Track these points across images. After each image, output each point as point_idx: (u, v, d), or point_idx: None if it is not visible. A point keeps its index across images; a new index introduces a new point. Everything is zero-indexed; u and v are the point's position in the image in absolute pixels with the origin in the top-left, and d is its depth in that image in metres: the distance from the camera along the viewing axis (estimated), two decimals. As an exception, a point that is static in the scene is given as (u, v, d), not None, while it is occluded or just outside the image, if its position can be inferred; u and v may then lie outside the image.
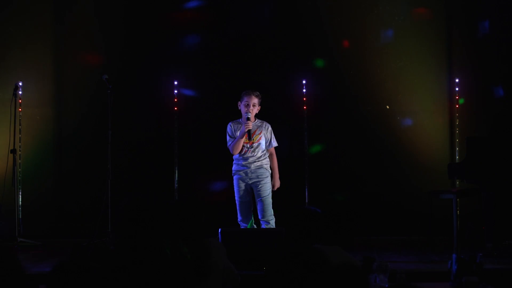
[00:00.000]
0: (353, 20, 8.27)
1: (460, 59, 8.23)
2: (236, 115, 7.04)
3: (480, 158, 6.83)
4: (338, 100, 8.30)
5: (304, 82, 8.24)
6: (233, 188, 7.00)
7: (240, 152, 6.85)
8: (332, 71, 8.29)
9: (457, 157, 8.04)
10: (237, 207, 6.88)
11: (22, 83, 8.03)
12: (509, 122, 7.06)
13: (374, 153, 8.23)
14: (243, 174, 6.85)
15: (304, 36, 8.29)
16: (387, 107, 8.25)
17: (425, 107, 8.24)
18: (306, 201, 8.14)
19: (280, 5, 8.32)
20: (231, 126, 6.92)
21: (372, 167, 8.22)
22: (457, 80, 8.16)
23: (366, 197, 8.16)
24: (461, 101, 8.14)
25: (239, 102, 6.88)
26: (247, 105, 6.81)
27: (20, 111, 8.04)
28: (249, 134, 6.78)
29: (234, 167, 6.92)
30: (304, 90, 8.25)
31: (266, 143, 6.91)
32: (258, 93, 6.86)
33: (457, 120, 8.15)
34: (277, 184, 6.92)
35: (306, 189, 8.16)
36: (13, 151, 7.53)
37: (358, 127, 8.25)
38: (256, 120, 6.95)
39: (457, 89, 8.16)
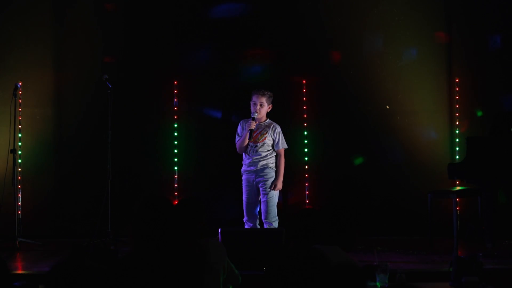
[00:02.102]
0: (353, 20, 8.27)
1: (460, 59, 8.23)
2: (240, 113, 7.07)
3: (480, 158, 6.83)
4: (338, 100, 8.29)
5: (304, 82, 8.25)
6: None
7: (245, 151, 6.87)
8: (332, 71, 8.29)
9: (457, 157, 8.04)
10: (244, 207, 6.89)
11: (22, 83, 8.03)
12: (509, 122, 7.06)
13: (374, 153, 8.23)
14: (250, 174, 6.86)
15: (304, 36, 8.29)
16: (387, 107, 8.25)
17: (425, 107, 8.24)
18: (306, 201, 8.14)
19: (280, 5, 8.31)
20: (241, 124, 6.95)
21: (372, 167, 8.22)
22: (457, 80, 8.17)
23: (366, 197, 8.16)
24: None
25: (250, 101, 6.90)
26: (254, 105, 6.83)
27: (20, 111, 8.04)
28: (250, 134, 6.80)
29: (242, 167, 6.94)
30: (304, 90, 8.25)
31: (273, 143, 6.90)
32: (266, 92, 6.86)
33: (457, 120, 8.15)
34: (279, 185, 6.89)
35: (306, 189, 8.16)
36: (13, 151, 7.53)
37: (358, 127, 8.25)
38: (266, 120, 6.95)
39: (457, 89, 8.16)
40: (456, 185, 7.79)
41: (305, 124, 8.24)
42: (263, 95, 6.84)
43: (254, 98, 6.86)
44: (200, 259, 3.83)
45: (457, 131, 8.14)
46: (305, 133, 8.25)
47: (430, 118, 8.24)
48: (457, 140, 8.13)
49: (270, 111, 6.95)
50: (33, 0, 8.31)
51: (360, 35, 8.26)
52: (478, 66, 8.18)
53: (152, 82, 8.30)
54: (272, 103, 6.92)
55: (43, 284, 3.94)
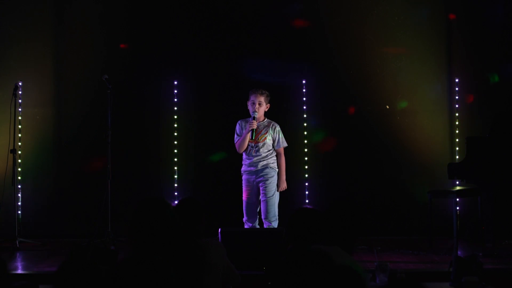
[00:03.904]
0: (353, 20, 8.27)
1: (460, 59, 8.23)
2: (240, 114, 7.06)
3: (480, 158, 6.83)
4: (338, 100, 8.29)
5: (304, 82, 8.25)
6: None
7: (246, 151, 6.87)
8: (332, 71, 8.29)
9: (457, 157, 8.03)
10: (243, 207, 6.88)
11: (22, 83, 8.03)
12: (509, 122, 7.06)
13: (374, 153, 8.23)
14: (250, 174, 6.86)
15: (304, 36, 8.28)
16: (387, 107, 8.25)
17: (425, 107, 8.24)
18: (306, 201, 8.14)
19: (280, 5, 8.31)
20: (239, 124, 6.94)
21: (372, 167, 8.21)
22: (457, 80, 8.17)
23: (366, 197, 8.15)
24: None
25: (248, 101, 6.89)
26: (253, 104, 6.83)
27: (20, 111, 8.04)
28: (252, 134, 6.79)
29: (242, 167, 6.94)
30: (304, 90, 8.25)
31: (274, 143, 6.90)
32: (265, 91, 6.86)
33: (457, 120, 8.15)
34: (283, 185, 6.88)
35: (306, 189, 8.16)
36: (13, 151, 7.53)
37: (358, 127, 8.25)
38: (265, 120, 6.94)
39: (457, 89, 8.17)
40: (456, 185, 7.79)
41: (305, 124, 8.24)
42: (261, 94, 6.84)
43: (252, 98, 6.86)
44: (200, 259, 3.83)
45: (457, 131, 8.14)
46: (305, 133, 8.25)
47: (430, 118, 8.24)
48: (457, 140, 8.13)
49: (267, 110, 6.96)
50: (33, 0, 8.31)
51: (360, 35, 8.25)
52: (478, 66, 8.17)
53: (152, 82, 8.30)
54: (269, 102, 6.93)
55: (43, 284, 3.94)
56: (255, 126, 6.80)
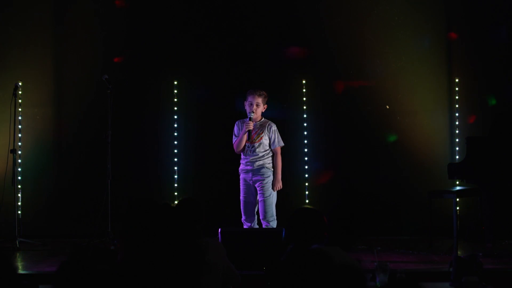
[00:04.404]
0: (353, 20, 8.26)
1: (460, 59, 8.23)
2: (240, 114, 7.06)
3: (480, 158, 6.83)
4: (338, 100, 8.29)
5: (304, 82, 8.25)
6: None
7: (243, 151, 6.87)
8: (332, 71, 8.28)
9: (457, 157, 8.03)
10: (241, 206, 6.89)
11: (22, 83, 8.03)
12: (509, 122, 7.05)
13: (374, 153, 8.23)
14: (247, 174, 6.86)
15: (304, 36, 8.28)
16: (387, 107, 8.25)
17: (425, 107, 8.24)
18: (306, 201, 8.14)
19: (280, 5, 8.31)
20: (237, 125, 6.94)
21: (372, 167, 8.21)
22: (457, 80, 8.17)
23: (366, 197, 8.15)
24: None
25: (245, 102, 6.89)
26: (251, 105, 6.82)
27: (20, 111, 8.04)
28: (249, 135, 6.79)
29: (240, 167, 6.94)
30: (304, 90, 8.25)
31: (270, 142, 6.89)
32: (262, 92, 6.85)
33: (457, 120, 8.15)
34: (278, 185, 6.87)
35: (306, 189, 8.16)
36: (13, 151, 7.53)
37: (358, 127, 8.25)
38: (262, 119, 6.94)
39: (457, 89, 8.16)
40: (456, 185, 7.80)
41: (305, 124, 8.24)
42: (259, 95, 6.84)
43: (250, 98, 6.85)
44: (199, 259, 3.83)
45: (457, 131, 8.14)
46: (305, 133, 8.24)
47: (430, 118, 8.23)
48: (457, 140, 8.13)
49: (265, 111, 6.96)
50: (33, 0, 8.32)
51: (360, 35, 8.25)
52: (478, 66, 8.17)
53: (152, 82, 8.30)
54: (267, 103, 6.92)
55: (43, 284, 3.93)
56: (251, 127, 6.79)
